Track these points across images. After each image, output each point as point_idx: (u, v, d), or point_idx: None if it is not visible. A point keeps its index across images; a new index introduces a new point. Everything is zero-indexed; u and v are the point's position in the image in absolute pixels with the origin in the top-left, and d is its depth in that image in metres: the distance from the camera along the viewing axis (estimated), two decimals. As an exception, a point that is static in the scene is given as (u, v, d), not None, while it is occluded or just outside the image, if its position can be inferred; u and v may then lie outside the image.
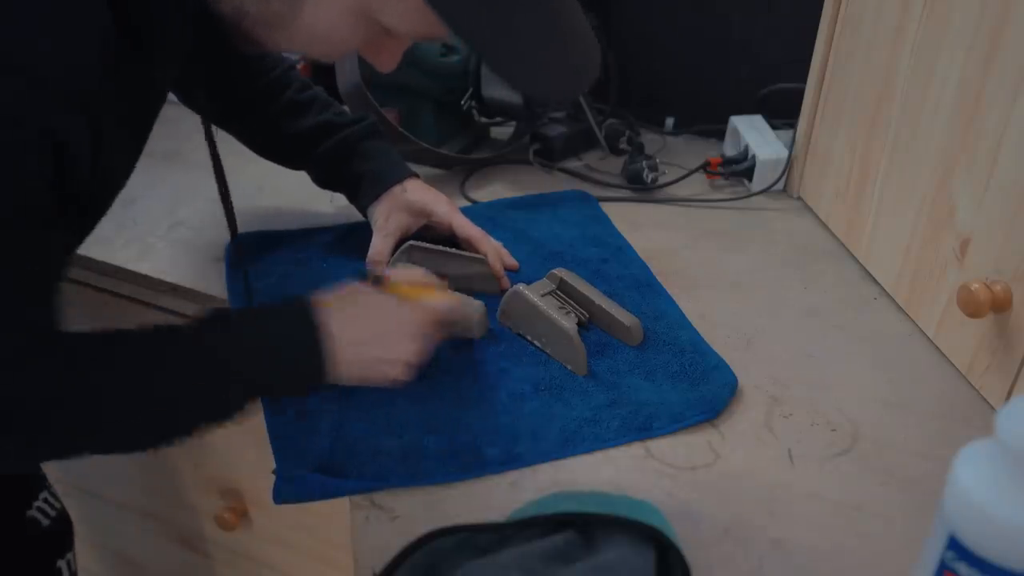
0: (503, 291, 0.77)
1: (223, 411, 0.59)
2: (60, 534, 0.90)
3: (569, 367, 0.71)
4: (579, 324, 0.73)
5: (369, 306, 0.65)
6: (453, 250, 0.80)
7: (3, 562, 0.83)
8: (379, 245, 0.81)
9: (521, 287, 0.74)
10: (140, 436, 0.58)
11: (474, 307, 0.73)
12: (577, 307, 0.75)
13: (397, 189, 0.83)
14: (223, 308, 0.64)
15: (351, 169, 0.85)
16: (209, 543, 1.12)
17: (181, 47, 0.64)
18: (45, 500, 0.89)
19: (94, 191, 0.60)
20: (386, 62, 0.65)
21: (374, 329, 0.63)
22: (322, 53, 0.65)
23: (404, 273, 0.71)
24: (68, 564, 0.90)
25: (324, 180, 0.88)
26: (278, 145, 0.88)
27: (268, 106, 0.86)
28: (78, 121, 0.52)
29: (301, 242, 0.88)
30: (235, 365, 0.59)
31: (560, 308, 0.74)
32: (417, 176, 0.86)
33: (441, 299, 0.68)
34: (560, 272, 0.77)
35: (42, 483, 0.90)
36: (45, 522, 0.87)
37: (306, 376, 0.61)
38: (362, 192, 0.85)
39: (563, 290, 0.76)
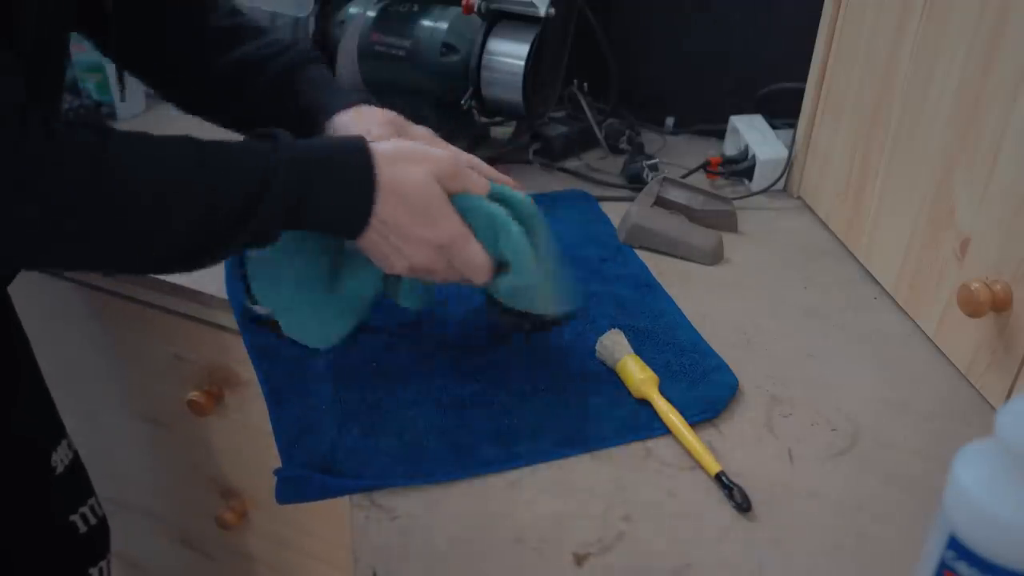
0: None
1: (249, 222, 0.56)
2: (96, 541, 0.89)
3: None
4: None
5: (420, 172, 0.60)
6: None
7: (34, 566, 0.82)
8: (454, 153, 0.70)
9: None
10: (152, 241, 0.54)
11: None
12: None
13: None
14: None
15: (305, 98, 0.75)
16: (209, 543, 1.12)
17: None
18: (91, 507, 0.88)
19: None
20: None
21: (421, 204, 0.59)
22: None
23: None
24: (100, 571, 0.89)
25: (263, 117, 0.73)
26: (209, 86, 0.77)
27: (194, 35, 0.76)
28: None
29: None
30: (281, 172, 0.56)
31: None
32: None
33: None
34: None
35: (91, 489, 0.89)
36: (83, 528, 0.86)
37: (345, 207, 0.58)
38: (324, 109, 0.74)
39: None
